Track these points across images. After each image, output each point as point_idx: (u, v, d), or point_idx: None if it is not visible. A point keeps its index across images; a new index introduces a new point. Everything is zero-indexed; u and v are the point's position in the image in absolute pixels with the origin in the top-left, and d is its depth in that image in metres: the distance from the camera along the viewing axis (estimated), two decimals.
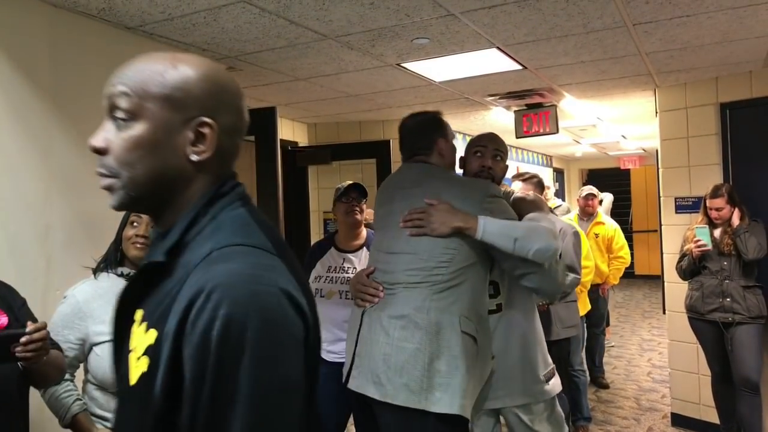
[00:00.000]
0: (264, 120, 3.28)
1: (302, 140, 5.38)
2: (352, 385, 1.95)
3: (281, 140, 3.45)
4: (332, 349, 2.70)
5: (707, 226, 3.61)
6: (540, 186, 3.59)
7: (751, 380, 3.51)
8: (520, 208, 2.13)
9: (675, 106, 4.33)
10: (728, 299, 3.53)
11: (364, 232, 2.89)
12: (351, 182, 2.83)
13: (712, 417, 3.91)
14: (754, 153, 3.93)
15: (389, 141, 4.99)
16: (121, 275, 1.93)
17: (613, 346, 6.39)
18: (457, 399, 1.76)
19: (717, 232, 3.66)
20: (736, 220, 3.55)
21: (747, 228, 3.51)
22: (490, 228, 1.88)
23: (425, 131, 2.13)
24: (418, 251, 1.92)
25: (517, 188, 3.49)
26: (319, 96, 4.30)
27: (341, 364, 2.59)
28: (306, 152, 5.18)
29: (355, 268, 2.76)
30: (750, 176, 3.93)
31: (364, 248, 2.83)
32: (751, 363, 3.49)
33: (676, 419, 4.31)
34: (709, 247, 3.56)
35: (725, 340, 3.57)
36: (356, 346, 1.98)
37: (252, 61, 3.28)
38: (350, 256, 2.83)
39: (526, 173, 3.71)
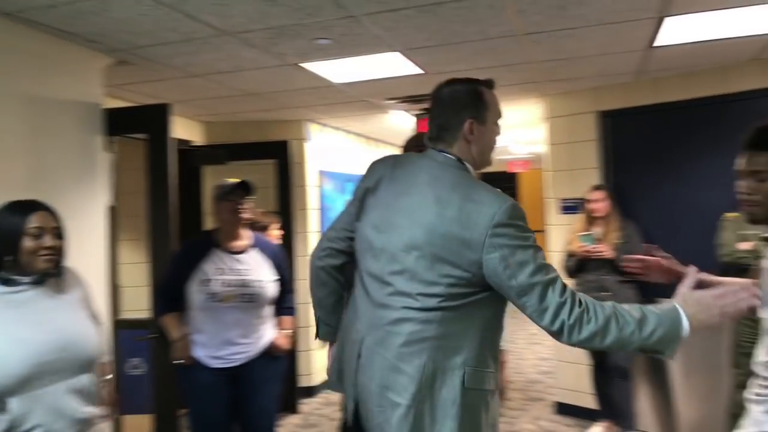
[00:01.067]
0: (156, 117, 3.12)
1: (197, 139, 5.19)
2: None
3: (175, 139, 3.30)
4: (220, 354, 2.65)
5: (590, 233, 3.89)
6: None
7: (622, 366, 3.83)
8: None
9: (560, 113, 4.62)
10: (606, 293, 3.82)
11: (248, 231, 2.82)
12: (237, 180, 2.76)
13: (592, 403, 4.21)
14: (627, 157, 4.29)
15: (288, 142, 4.94)
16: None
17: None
18: None
19: (597, 231, 3.95)
20: (607, 253, 3.82)
21: (624, 243, 3.81)
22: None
23: (456, 106, 1.65)
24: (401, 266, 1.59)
25: None
26: (215, 94, 4.17)
27: (227, 369, 2.65)
28: (201, 152, 4.99)
29: (249, 270, 2.70)
30: (624, 178, 4.28)
31: (253, 249, 2.78)
32: (622, 352, 3.80)
33: (560, 407, 4.59)
34: (598, 247, 3.83)
35: None
36: (356, 375, 1.65)
37: (145, 55, 3.12)
38: (241, 257, 2.74)
39: None
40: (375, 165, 1.80)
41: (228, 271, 2.66)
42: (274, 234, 3.97)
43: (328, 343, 1.93)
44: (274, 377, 2.83)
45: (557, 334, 1.48)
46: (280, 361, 2.85)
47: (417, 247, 1.55)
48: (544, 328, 1.50)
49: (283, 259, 2.90)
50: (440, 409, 1.51)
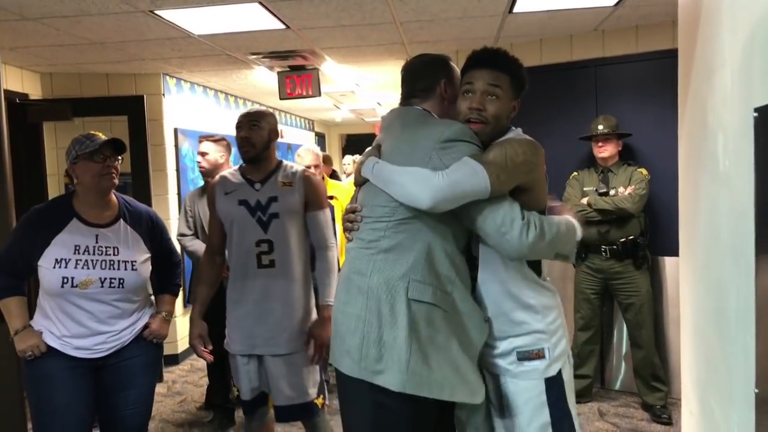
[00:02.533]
0: None
1: (34, 92, 4.65)
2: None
3: (6, 91, 2.92)
4: (82, 344, 2.17)
5: None
6: (228, 149, 3.64)
7: None
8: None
9: None
10: None
11: (114, 198, 2.30)
12: (105, 137, 2.24)
13: None
14: None
15: (143, 96, 4.59)
16: None
17: None
18: (396, 375, 1.55)
19: None
20: None
21: None
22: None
23: (428, 71, 1.81)
24: (365, 202, 1.71)
25: (210, 149, 3.54)
26: (54, 41, 3.75)
27: (91, 360, 2.18)
28: (40, 106, 4.50)
29: (116, 248, 2.21)
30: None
31: (121, 221, 2.27)
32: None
33: None
34: None
35: None
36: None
37: None
38: (105, 232, 2.22)
39: (217, 135, 3.73)
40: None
41: (89, 251, 2.17)
42: None
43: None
44: (149, 367, 2.33)
45: (507, 239, 1.55)
46: (157, 349, 2.39)
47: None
48: (492, 234, 1.56)
49: (160, 227, 2.41)
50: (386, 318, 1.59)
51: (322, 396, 2.52)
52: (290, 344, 2.41)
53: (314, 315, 2.52)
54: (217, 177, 2.61)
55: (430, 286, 1.59)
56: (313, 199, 2.49)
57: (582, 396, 3.67)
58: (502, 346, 1.64)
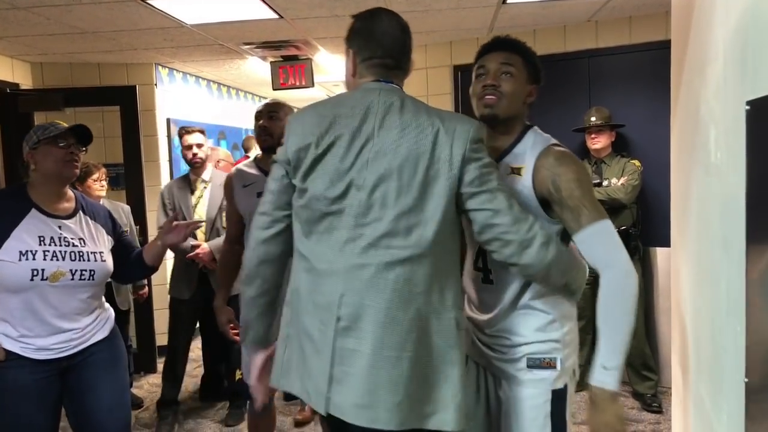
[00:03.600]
0: None
1: (25, 82, 4.61)
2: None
3: None
4: (44, 344, 2.03)
5: None
6: None
7: None
8: None
9: (417, 66, 4.67)
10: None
11: (70, 191, 2.21)
12: (67, 123, 2.16)
13: None
14: None
15: (135, 87, 4.56)
16: None
17: None
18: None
19: None
20: None
21: None
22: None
23: (406, 40, 1.56)
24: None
25: (203, 140, 3.58)
26: (45, 30, 3.71)
27: (55, 362, 2.06)
28: (31, 96, 4.46)
29: (82, 239, 2.11)
30: None
31: (81, 212, 2.18)
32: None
33: None
34: None
35: None
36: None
37: None
38: (67, 223, 2.11)
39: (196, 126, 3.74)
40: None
41: (55, 241, 2.05)
42: (95, 187, 3.62)
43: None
44: (117, 361, 2.23)
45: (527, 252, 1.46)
46: (120, 343, 2.29)
47: None
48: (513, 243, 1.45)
49: (115, 220, 2.35)
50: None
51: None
52: None
53: None
54: (233, 170, 2.66)
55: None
56: None
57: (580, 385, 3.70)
58: (513, 351, 1.58)
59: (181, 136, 3.65)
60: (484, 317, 1.66)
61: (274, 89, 4.95)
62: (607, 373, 1.40)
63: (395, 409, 1.36)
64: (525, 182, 1.54)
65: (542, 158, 1.53)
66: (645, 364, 3.61)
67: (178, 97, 5.35)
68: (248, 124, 7.48)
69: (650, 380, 3.61)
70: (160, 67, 5.01)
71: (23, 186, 2.12)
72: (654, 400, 3.56)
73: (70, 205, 2.17)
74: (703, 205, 1.62)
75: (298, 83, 4.88)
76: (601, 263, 1.45)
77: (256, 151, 6.37)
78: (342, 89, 7.57)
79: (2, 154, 2.84)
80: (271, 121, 2.50)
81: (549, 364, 1.55)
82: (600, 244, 1.45)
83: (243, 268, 1.61)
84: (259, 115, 2.55)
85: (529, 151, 1.56)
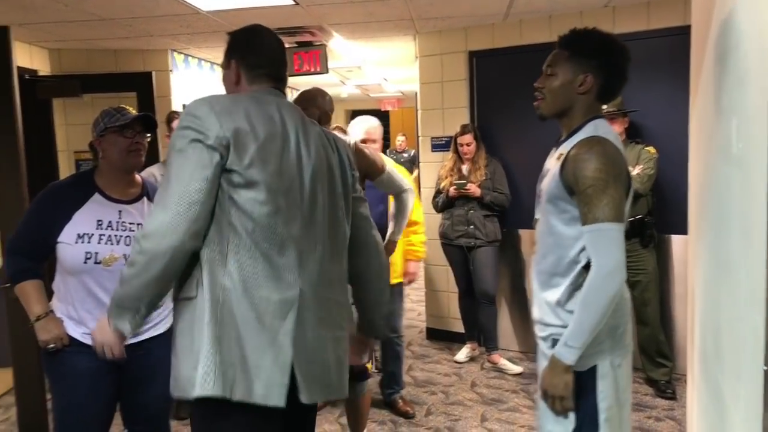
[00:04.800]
0: None
1: (43, 68, 4.66)
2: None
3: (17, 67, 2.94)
4: None
5: (463, 180, 4.05)
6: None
7: (488, 293, 4.14)
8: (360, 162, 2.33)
9: (432, 51, 4.70)
10: (471, 227, 4.08)
11: (137, 176, 2.23)
12: (136, 112, 2.15)
13: (459, 327, 4.53)
14: (493, 96, 4.49)
15: (151, 73, 4.59)
16: None
17: None
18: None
19: (465, 168, 4.16)
20: (476, 192, 4.04)
21: (489, 180, 4.05)
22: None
23: (284, 57, 1.74)
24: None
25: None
26: (63, 17, 3.74)
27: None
28: (49, 82, 4.50)
29: (140, 224, 2.10)
30: (490, 116, 4.49)
31: (145, 198, 2.19)
32: (488, 279, 4.12)
33: (430, 333, 4.90)
34: (469, 187, 4.02)
35: (469, 261, 4.14)
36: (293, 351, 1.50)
37: None
38: (128, 208, 2.13)
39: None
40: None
41: (113, 226, 2.07)
42: None
43: None
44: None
45: None
46: None
47: None
48: None
49: None
50: None
51: (370, 361, 2.63)
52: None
53: None
54: None
55: None
56: (370, 167, 2.56)
57: None
58: (546, 331, 1.71)
59: (170, 120, 3.57)
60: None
61: (288, 75, 4.96)
62: (568, 349, 1.58)
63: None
64: (557, 169, 1.65)
65: (574, 149, 1.61)
66: (659, 351, 3.62)
67: (193, 83, 5.37)
68: None
69: (665, 367, 3.62)
70: (175, 54, 5.04)
71: (91, 171, 2.16)
72: (668, 387, 3.58)
73: (135, 190, 2.19)
74: (723, 195, 1.61)
75: (312, 69, 4.88)
76: (592, 260, 1.58)
77: None
78: (355, 74, 7.56)
79: (27, 138, 2.87)
80: None
81: None
82: (593, 244, 1.57)
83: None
84: None
85: (574, 141, 1.64)
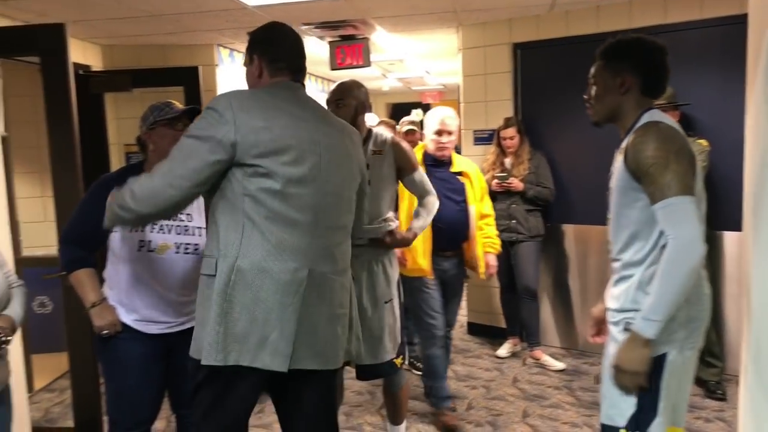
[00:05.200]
0: (51, 39, 2.85)
1: (96, 64, 4.80)
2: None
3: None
4: (155, 316, 2.14)
5: (505, 173, 4.02)
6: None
7: (530, 288, 4.10)
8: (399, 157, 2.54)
9: (475, 44, 4.65)
10: (513, 221, 4.03)
11: None
12: (183, 105, 2.23)
13: (501, 322, 4.50)
14: (538, 89, 4.42)
15: (198, 67, 4.68)
16: None
17: None
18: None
19: (508, 162, 4.12)
20: (519, 186, 4.00)
21: (532, 174, 3.99)
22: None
23: (303, 49, 1.87)
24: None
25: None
26: (115, 14, 3.85)
27: (163, 338, 2.15)
28: (101, 77, 4.64)
29: (189, 214, 2.19)
30: (534, 110, 4.43)
31: None
32: (530, 274, 4.07)
33: (472, 327, 4.88)
34: (511, 181, 3.98)
35: (510, 256, 4.10)
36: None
37: None
38: None
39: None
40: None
41: None
42: None
43: None
44: None
45: None
46: None
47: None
48: None
49: None
50: None
51: (401, 356, 2.64)
52: (378, 300, 2.53)
53: (397, 272, 2.65)
54: None
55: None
56: (404, 164, 2.60)
57: None
58: (618, 316, 1.72)
59: None
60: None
61: (331, 69, 4.99)
62: (648, 323, 1.58)
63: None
64: (620, 162, 1.70)
65: (631, 137, 1.68)
66: (710, 351, 3.51)
67: (238, 77, 5.46)
68: None
69: (715, 367, 3.52)
70: (221, 48, 5.13)
71: (141, 163, 2.23)
72: (718, 387, 3.48)
73: None
74: None
75: (355, 63, 4.90)
76: (668, 234, 1.57)
77: None
78: (397, 67, 7.55)
79: (80, 133, 2.98)
80: (338, 108, 2.51)
81: None
82: (666, 220, 1.57)
83: None
84: (327, 104, 2.59)
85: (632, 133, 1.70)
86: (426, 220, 2.67)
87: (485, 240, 3.41)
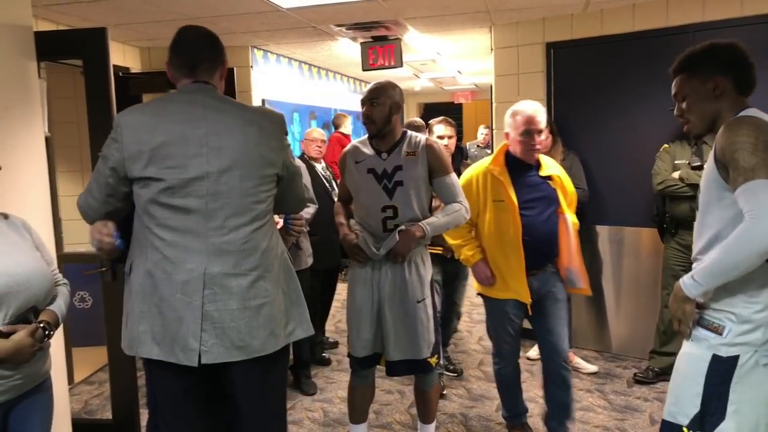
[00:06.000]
0: (93, 42, 2.94)
1: (135, 66, 4.94)
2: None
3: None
4: None
5: None
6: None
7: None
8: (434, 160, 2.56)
9: (508, 43, 4.63)
10: None
11: None
12: None
13: None
14: (572, 89, 4.38)
15: (233, 69, 4.76)
16: None
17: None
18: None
19: None
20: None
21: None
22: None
23: (214, 44, 1.90)
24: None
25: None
26: (153, 17, 3.95)
27: None
28: (140, 79, 4.76)
29: None
30: (568, 110, 4.38)
31: None
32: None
33: None
34: None
35: None
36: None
37: None
38: None
39: None
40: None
41: None
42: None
43: None
44: None
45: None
46: None
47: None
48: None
49: None
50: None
51: (436, 356, 2.65)
52: (409, 300, 2.56)
53: (430, 272, 2.65)
54: (349, 146, 2.77)
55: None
56: (437, 166, 2.59)
57: (669, 372, 3.58)
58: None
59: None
60: None
61: (363, 70, 5.03)
62: (692, 282, 1.62)
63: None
64: (711, 156, 1.66)
65: (722, 128, 1.64)
66: None
67: (272, 78, 5.54)
68: (337, 104, 7.62)
69: None
70: (255, 50, 5.21)
71: None
72: None
73: None
74: None
75: (387, 63, 4.93)
76: (746, 212, 1.51)
77: (346, 127, 6.49)
78: (429, 67, 7.55)
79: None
80: (372, 107, 2.55)
81: (715, 329, 1.63)
82: (747, 201, 1.51)
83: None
84: (362, 103, 2.62)
85: None
86: (440, 220, 2.53)
87: None
